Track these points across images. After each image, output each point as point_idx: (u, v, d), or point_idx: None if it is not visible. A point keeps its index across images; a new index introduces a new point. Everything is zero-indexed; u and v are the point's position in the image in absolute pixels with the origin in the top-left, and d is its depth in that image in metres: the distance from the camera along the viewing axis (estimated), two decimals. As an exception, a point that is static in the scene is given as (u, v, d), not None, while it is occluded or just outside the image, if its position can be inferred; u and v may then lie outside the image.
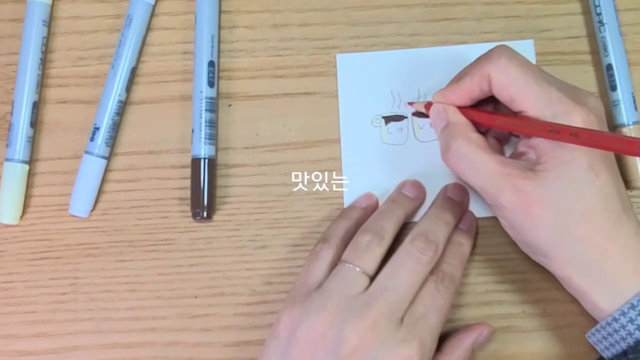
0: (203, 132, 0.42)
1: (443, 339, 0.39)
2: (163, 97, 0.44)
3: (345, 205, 0.43)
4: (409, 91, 0.43)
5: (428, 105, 0.41)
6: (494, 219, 0.42)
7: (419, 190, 0.42)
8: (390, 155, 0.43)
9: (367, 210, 0.41)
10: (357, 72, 0.44)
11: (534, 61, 0.43)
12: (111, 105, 0.43)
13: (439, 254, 0.38)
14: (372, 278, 0.37)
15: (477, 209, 0.42)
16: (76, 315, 0.43)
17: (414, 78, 0.44)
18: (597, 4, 0.42)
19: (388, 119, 0.43)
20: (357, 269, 0.37)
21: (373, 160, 0.43)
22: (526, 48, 0.43)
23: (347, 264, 0.37)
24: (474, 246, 0.42)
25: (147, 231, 0.43)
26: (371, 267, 0.37)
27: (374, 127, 0.43)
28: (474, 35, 0.44)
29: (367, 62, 0.44)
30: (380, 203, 0.42)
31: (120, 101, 0.43)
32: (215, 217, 0.43)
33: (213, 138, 0.43)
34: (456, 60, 0.43)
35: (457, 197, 0.42)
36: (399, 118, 0.43)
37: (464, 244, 0.40)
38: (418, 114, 0.43)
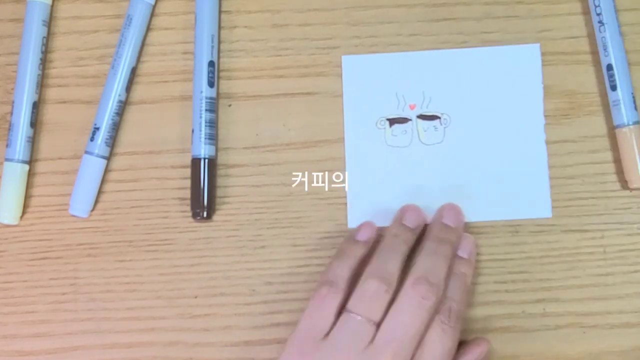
0: (203, 132, 0.42)
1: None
2: (163, 97, 0.44)
3: (348, 206, 0.43)
4: (413, 94, 0.43)
5: None
6: (494, 220, 0.42)
7: (419, 217, 0.41)
8: (394, 158, 0.43)
9: (369, 244, 0.41)
10: (362, 74, 0.44)
11: (539, 65, 0.43)
12: (111, 105, 0.43)
13: (442, 294, 0.38)
14: (380, 321, 0.37)
15: (476, 212, 0.42)
16: (76, 315, 0.43)
17: (419, 81, 0.43)
18: (597, 4, 0.42)
19: (392, 121, 0.43)
20: (365, 320, 0.36)
21: (377, 163, 0.43)
22: (532, 52, 0.43)
23: (354, 315, 0.37)
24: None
25: (147, 231, 0.43)
26: (379, 315, 0.37)
27: (379, 129, 0.43)
28: (474, 35, 0.44)
29: (372, 64, 0.44)
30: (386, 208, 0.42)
31: (120, 101, 0.43)
32: (215, 217, 0.43)
33: (213, 138, 0.43)
34: (461, 64, 0.43)
35: (453, 222, 0.41)
36: (403, 120, 0.43)
37: (466, 274, 0.40)
38: (422, 117, 0.43)
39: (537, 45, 0.43)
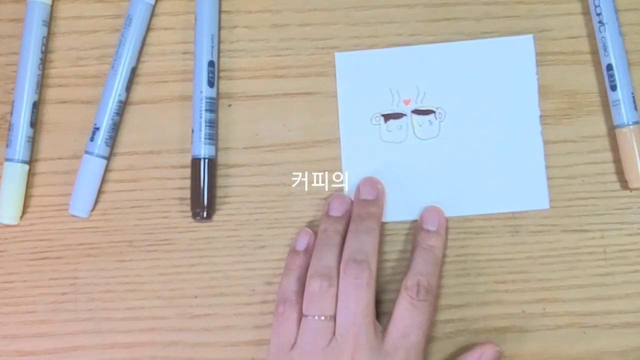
0: (203, 132, 0.42)
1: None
2: (163, 97, 0.44)
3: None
4: (407, 88, 0.43)
5: None
6: (494, 218, 0.42)
7: (344, 203, 0.42)
8: (389, 153, 0.43)
9: (309, 251, 0.41)
10: (355, 70, 0.44)
11: (533, 59, 0.43)
12: (111, 105, 0.43)
13: (375, 267, 0.39)
14: (335, 314, 0.38)
15: (474, 205, 0.42)
16: (76, 315, 0.43)
17: (413, 75, 0.44)
18: (597, 4, 0.42)
19: (387, 117, 0.43)
20: (322, 318, 0.38)
21: (373, 158, 0.43)
22: (525, 44, 0.43)
23: (310, 317, 0.38)
24: (470, 246, 0.42)
25: (147, 231, 0.43)
26: (331, 308, 0.38)
27: (374, 125, 0.43)
28: (474, 35, 0.44)
29: (366, 60, 0.44)
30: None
31: (120, 101, 0.43)
32: (215, 217, 0.43)
33: (213, 138, 0.43)
34: (455, 57, 0.43)
35: (371, 194, 0.41)
36: (398, 116, 0.43)
37: (435, 246, 0.40)
38: (417, 112, 0.43)
39: (530, 36, 0.43)
